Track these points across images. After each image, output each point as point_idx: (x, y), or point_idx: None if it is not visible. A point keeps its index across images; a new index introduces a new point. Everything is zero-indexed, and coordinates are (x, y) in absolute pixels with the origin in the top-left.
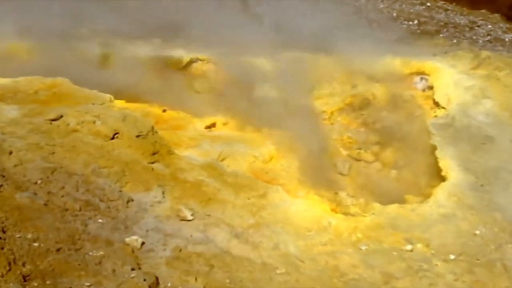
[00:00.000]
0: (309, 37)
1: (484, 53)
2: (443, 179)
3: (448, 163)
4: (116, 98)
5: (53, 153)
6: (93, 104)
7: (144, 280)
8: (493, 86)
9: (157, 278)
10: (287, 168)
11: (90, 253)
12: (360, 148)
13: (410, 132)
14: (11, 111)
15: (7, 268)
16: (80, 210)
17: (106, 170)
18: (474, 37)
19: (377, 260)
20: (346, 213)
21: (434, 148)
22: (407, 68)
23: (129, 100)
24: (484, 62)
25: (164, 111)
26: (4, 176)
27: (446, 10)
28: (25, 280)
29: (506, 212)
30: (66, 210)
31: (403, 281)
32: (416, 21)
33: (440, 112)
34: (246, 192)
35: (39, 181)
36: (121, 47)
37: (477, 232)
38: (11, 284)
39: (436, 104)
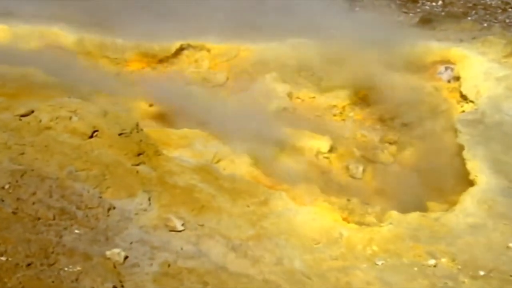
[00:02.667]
0: (315, 21)
1: None
2: (471, 183)
3: (477, 165)
4: None
5: (23, 153)
6: (69, 97)
7: None
8: None
9: None
10: None
11: (66, 269)
12: (376, 148)
13: (433, 130)
14: None
15: None
16: (54, 219)
17: (84, 173)
18: (507, 21)
19: (395, 277)
20: (359, 223)
21: (461, 148)
22: (430, 56)
23: None
24: None
25: (150, 105)
26: None
27: None
28: None
29: None
30: (38, 219)
31: None
32: (440, 2)
33: (468, 107)
34: (245, 199)
35: (6, 186)
36: None
37: (511, 245)
38: None
39: (464, 97)
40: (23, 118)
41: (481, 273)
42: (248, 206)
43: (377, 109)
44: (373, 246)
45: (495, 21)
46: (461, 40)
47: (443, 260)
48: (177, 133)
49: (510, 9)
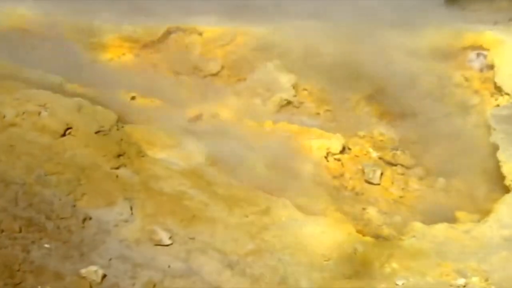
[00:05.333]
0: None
1: None
2: (507, 189)
3: None
4: None
5: None
6: (38, 89)
7: None
8: None
9: None
10: None
11: None
12: (395, 149)
13: (462, 127)
14: None
15: None
16: (20, 231)
17: (55, 178)
18: None
19: None
20: (377, 236)
21: (495, 148)
22: (459, 41)
23: None
24: None
25: (133, 98)
26: None
27: None
28: None
29: None
30: (2, 231)
31: None
32: None
33: (503, 100)
34: (243, 208)
35: None
36: None
37: None
38: None
39: (498, 89)
40: None
41: None
42: (246, 216)
43: (397, 103)
44: (393, 263)
45: None
46: (495, 22)
47: (474, 279)
48: (164, 131)
49: None
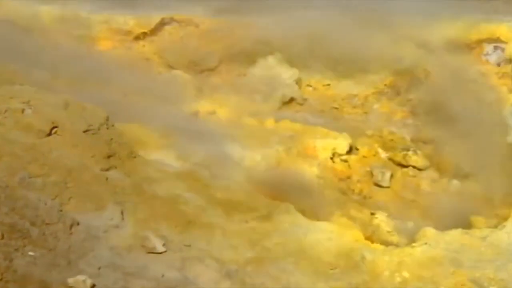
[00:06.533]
0: None
1: None
2: None
3: None
4: None
5: None
6: (21, 85)
7: None
8: None
9: None
10: None
11: None
12: (407, 149)
13: (479, 125)
14: None
15: None
16: (3, 238)
17: (40, 180)
18: None
19: None
20: (386, 243)
21: None
22: (475, 33)
23: None
24: None
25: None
26: None
27: None
28: None
29: None
30: None
31: None
32: None
33: None
34: (243, 213)
35: None
36: None
37: None
38: None
39: None
40: None
41: None
42: (246, 222)
43: (409, 100)
44: (404, 272)
45: None
46: None
47: None
48: (157, 130)
49: None
